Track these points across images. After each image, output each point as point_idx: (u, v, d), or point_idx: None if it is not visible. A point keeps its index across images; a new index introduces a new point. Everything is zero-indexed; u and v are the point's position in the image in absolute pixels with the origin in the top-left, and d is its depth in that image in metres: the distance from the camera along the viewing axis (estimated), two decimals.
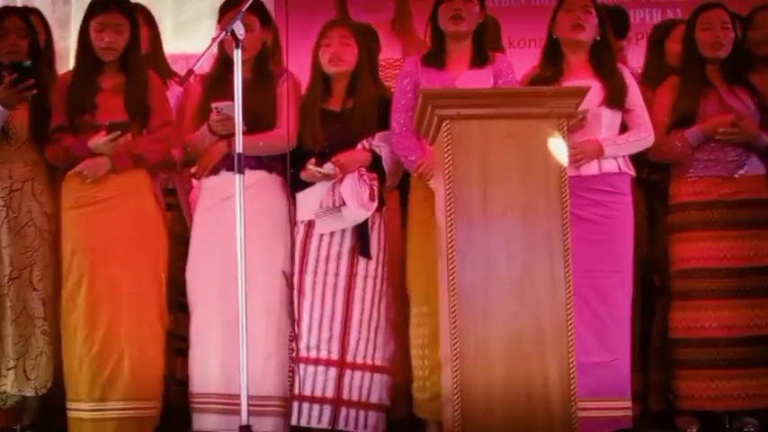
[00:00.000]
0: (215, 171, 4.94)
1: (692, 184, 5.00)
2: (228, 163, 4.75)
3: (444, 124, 3.90)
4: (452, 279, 3.84)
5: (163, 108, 4.97)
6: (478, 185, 3.87)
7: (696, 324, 4.91)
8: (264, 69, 5.01)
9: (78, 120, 4.83)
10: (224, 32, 4.04)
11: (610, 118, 4.86)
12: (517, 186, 3.87)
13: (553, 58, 4.98)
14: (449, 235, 3.85)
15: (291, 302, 4.88)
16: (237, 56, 4.07)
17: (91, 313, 4.74)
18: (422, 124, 4.16)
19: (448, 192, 3.87)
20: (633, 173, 4.91)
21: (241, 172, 4.05)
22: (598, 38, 4.93)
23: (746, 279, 4.90)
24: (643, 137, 4.89)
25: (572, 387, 3.82)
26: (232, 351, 4.56)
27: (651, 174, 5.29)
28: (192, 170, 5.06)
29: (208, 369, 4.83)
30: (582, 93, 3.99)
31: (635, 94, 4.94)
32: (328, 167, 4.78)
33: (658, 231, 5.24)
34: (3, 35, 4.91)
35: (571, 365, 3.82)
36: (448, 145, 3.88)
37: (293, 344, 4.82)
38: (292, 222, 4.91)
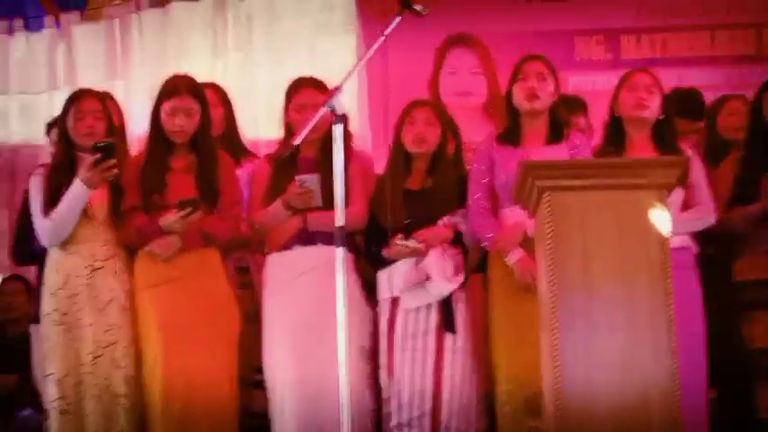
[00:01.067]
0: (287, 247, 4.97)
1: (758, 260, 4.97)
2: (302, 238, 4.88)
3: (545, 195, 3.90)
4: (555, 348, 3.81)
5: (233, 188, 5.03)
6: (579, 256, 3.84)
7: None
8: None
9: (149, 199, 4.90)
10: (324, 107, 4.10)
11: (673, 195, 4.80)
12: (617, 257, 3.85)
13: (615, 134, 4.98)
14: (551, 303, 3.83)
15: (371, 378, 4.88)
16: (337, 131, 4.11)
17: (168, 391, 4.76)
18: (521, 195, 4.16)
19: (549, 262, 3.86)
20: (696, 249, 4.89)
21: (341, 245, 4.06)
22: (661, 117, 4.93)
23: None
24: (704, 215, 4.88)
25: None
26: (312, 427, 4.70)
27: (714, 249, 5.21)
28: (266, 250, 5.09)
29: None
30: (683, 163, 3.99)
31: (698, 172, 4.91)
32: (413, 243, 4.81)
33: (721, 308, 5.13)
34: (80, 117, 4.95)
35: None
36: (549, 216, 3.88)
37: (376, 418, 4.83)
38: (365, 298, 4.94)
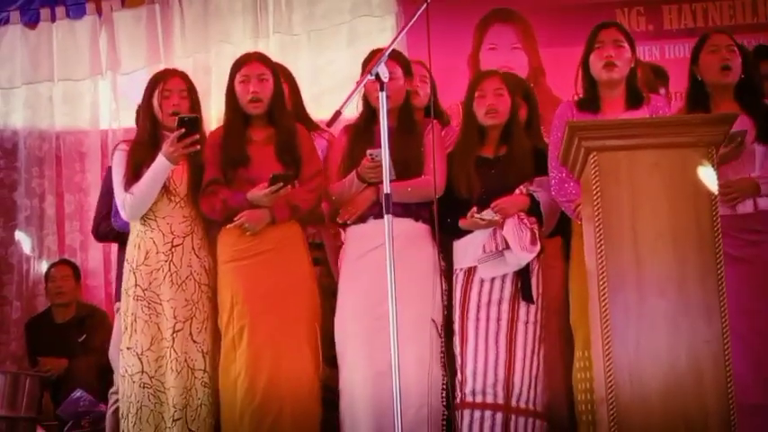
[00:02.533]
0: (362, 219, 4.98)
1: None
2: (376, 211, 4.82)
3: (591, 156, 3.89)
4: (605, 312, 3.79)
5: (312, 158, 5.05)
6: (627, 216, 3.84)
7: None
8: (410, 118, 5.06)
9: (232, 173, 4.94)
10: (369, 75, 4.10)
11: (763, 155, 4.74)
12: (667, 217, 3.83)
13: (698, 98, 4.89)
14: (599, 265, 3.81)
15: (443, 351, 4.88)
16: (382, 98, 4.11)
17: (252, 365, 4.78)
18: (568, 157, 4.15)
19: (597, 223, 3.84)
20: None
21: (388, 212, 4.07)
22: (742, 76, 4.86)
23: None
24: None
25: (732, 424, 3.72)
26: (383, 402, 4.61)
27: None
28: (339, 219, 5.09)
29: (359, 420, 4.82)
30: (730, 119, 3.95)
31: None
32: (489, 214, 4.79)
33: None
34: (167, 96, 5.02)
35: (731, 400, 3.73)
36: (596, 177, 3.86)
37: (452, 391, 4.81)
38: (441, 270, 4.91)
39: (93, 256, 7.45)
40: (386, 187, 4.10)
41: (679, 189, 3.85)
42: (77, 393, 6.22)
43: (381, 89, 4.12)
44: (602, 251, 3.83)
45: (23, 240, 7.68)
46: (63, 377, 6.70)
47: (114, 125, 7.62)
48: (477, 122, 5.02)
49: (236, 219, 4.87)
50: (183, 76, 5.17)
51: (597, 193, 3.85)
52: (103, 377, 5.94)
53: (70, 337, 6.92)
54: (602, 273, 3.82)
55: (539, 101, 5.49)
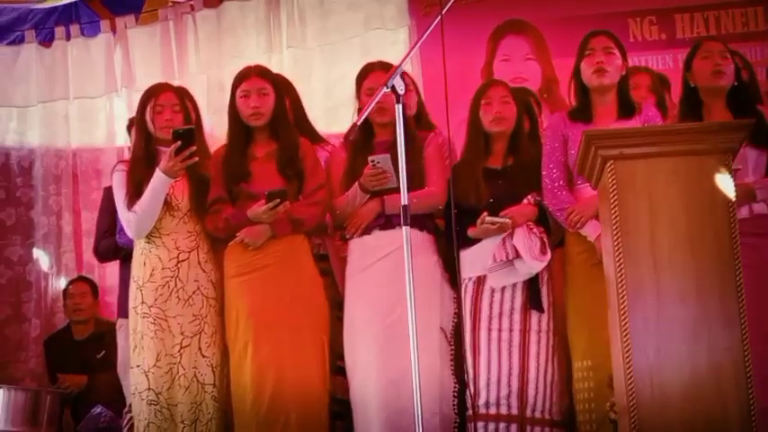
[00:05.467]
0: (367, 231, 5.01)
1: None
2: (381, 222, 4.91)
3: (608, 165, 3.89)
4: (624, 319, 3.79)
5: (316, 171, 5.08)
6: (645, 224, 3.84)
7: None
8: (408, 131, 5.05)
9: (235, 189, 4.98)
10: (385, 87, 4.12)
11: (755, 159, 4.75)
12: (684, 224, 3.83)
13: (691, 105, 4.91)
14: (618, 273, 3.81)
15: (452, 359, 4.89)
16: (399, 111, 4.12)
17: (257, 377, 4.81)
18: (585, 166, 4.15)
19: (615, 231, 3.84)
20: None
21: (406, 224, 4.08)
22: (735, 83, 4.86)
23: None
24: None
25: (753, 431, 3.71)
26: (396, 410, 4.69)
27: None
28: (346, 234, 5.12)
29: (371, 429, 4.85)
30: (746, 127, 3.95)
31: None
32: (502, 218, 4.81)
33: None
34: (159, 111, 5.05)
35: (752, 406, 3.73)
36: (613, 185, 3.87)
37: (460, 400, 4.82)
38: (447, 279, 4.93)
39: (111, 272, 7.42)
40: (403, 198, 4.11)
41: (696, 196, 3.85)
42: (97, 409, 6.25)
43: (398, 101, 4.13)
44: (620, 259, 3.83)
45: (41, 258, 7.71)
46: (83, 393, 6.72)
47: (130, 142, 7.63)
48: (484, 130, 5.05)
49: (237, 235, 4.89)
50: (176, 90, 5.21)
51: (614, 201, 3.86)
52: (122, 393, 5.94)
53: (89, 353, 6.94)
54: (621, 280, 3.82)
55: (553, 110, 5.51)
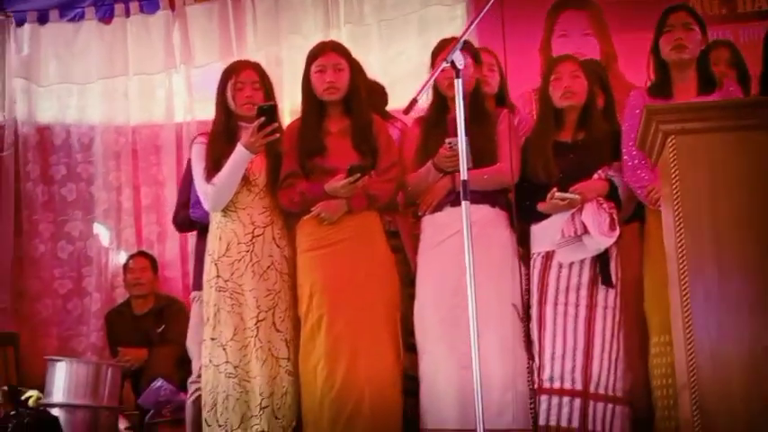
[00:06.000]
0: (439, 208, 5.00)
1: None
2: (452, 199, 4.87)
3: (669, 140, 3.86)
4: (685, 295, 3.77)
5: (390, 148, 5.08)
6: (706, 199, 3.80)
7: None
8: (480, 106, 5.07)
9: (309, 164, 4.99)
10: (444, 63, 4.12)
11: None
12: (746, 198, 3.78)
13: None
14: (679, 249, 3.79)
15: (524, 334, 4.88)
16: (458, 86, 4.12)
17: (331, 353, 4.81)
18: (645, 142, 4.13)
19: (676, 206, 3.82)
20: None
21: (466, 199, 4.08)
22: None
23: None
24: None
25: None
26: (466, 386, 4.59)
27: None
28: (419, 212, 5.11)
29: (441, 406, 4.83)
30: None
31: None
32: (572, 194, 4.79)
33: None
34: (239, 88, 5.07)
35: None
36: (674, 160, 3.83)
37: (532, 375, 4.82)
38: (519, 255, 4.93)
39: (171, 247, 7.54)
40: (463, 173, 4.11)
41: (757, 171, 3.79)
42: (158, 383, 6.31)
43: (457, 76, 4.12)
44: (681, 234, 3.80)
45: (102, 233, 7.80)
46: (143, 367, 6.80)
47: (188, 118, 7.71)
48: (554, 106, 5.03)
49: (313, 209, 4.91)
50: (256, 68, 5.20)
51: (676, 176, 3.82)
52: (182, 367, 5.99)
53: (149, 327, 7.02)
54: (682, 256, 3.79)
55: (615, 86, 5.47)
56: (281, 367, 4.91)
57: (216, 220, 5.07)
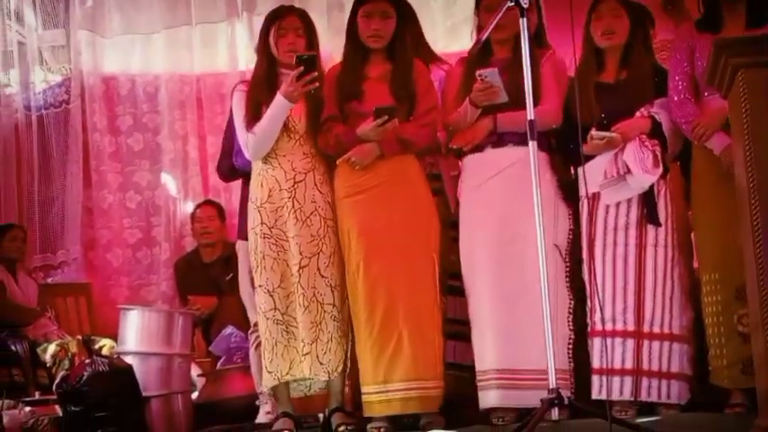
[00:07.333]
0: (479, 149, 4.96)
1: None
2: (493, 140, 4.87)
3: (739, 74, 3.79)
4: (757, 231, 3.72)
5: (428, 93, 5.03)
6: None
7: None
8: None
9: (346, 108, 4.97)
10: (510, 2, 4.08)
11: None
12: None
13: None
14: (750, 183, 3.73)
15: (568, 276, 4.87)
16: (523, 24, 4.10)
17: (369, 297, 4.83)
18: (714, 76, 4.04)
19: (746, 141, 3.75)
20: None
21: (533, 139, 4.06)
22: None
23: None
24: None
25: None
26: (511, 327, 4.71)
27: None
28: (452, 144, 5.06)
29: (488, 347, 4.84)
30: None
31: None
32: (609, 132, 4.74)
33: None
34: (282, 34, 5.03)
35: None
36: (744, 94, 3.76)
37: (585, 317, 4.82)
38: (562, 196, 4.91)
39: (237, 195, 7.52)
40: (529, 113, 4.09)
41: None
42: (228, 330, 6.38)
43: (522, 15, 4.09)
44: (751, 168, 3.73)
45: (169, 182, 7.88)
46: (213, 315, 6.87)
47: (252, 66, 7.68)
48: (595, 45, 4.97)
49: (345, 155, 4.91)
50: (300, 14, 5.16)
51: (746, 109, 3.75)
52: None
53: (218, 275, 7.08)
54: (754, 190, 3.72)
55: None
56: (326, 312, 4.91)
57: (257, 168, 5.06)
